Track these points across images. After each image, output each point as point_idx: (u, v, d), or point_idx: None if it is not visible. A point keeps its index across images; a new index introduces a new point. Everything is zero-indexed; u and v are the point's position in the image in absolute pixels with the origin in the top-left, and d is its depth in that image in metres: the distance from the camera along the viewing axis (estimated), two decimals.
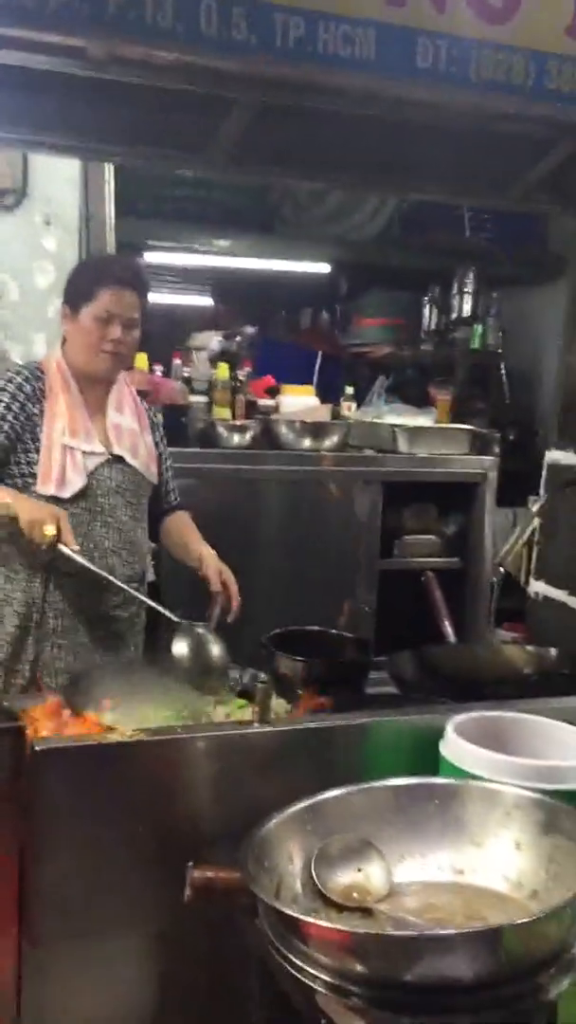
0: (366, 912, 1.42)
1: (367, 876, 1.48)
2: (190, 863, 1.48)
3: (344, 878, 1.47)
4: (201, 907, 1.49)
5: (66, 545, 2.29)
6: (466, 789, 1.59)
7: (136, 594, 2.46)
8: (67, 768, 1.66)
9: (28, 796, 1.65)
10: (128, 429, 2.65)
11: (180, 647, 2.23)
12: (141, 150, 2.38)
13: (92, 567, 2.35)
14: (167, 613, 2.33)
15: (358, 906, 1.43)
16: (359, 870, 1.48)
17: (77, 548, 2.31)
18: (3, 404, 2.49)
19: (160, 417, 2.90)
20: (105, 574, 2.37)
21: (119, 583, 2.40)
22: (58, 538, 2.28)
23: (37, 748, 1.64)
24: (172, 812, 1.71)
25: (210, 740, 1.73)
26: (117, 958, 1.80)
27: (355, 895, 1.45)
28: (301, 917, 1.28)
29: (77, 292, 2.56)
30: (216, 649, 2.27)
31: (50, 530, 2.26)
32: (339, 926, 1.34)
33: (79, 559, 2.31)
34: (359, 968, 1.22)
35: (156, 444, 2.76)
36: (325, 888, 1.45)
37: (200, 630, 2.30)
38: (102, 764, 1.68)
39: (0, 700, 1.93)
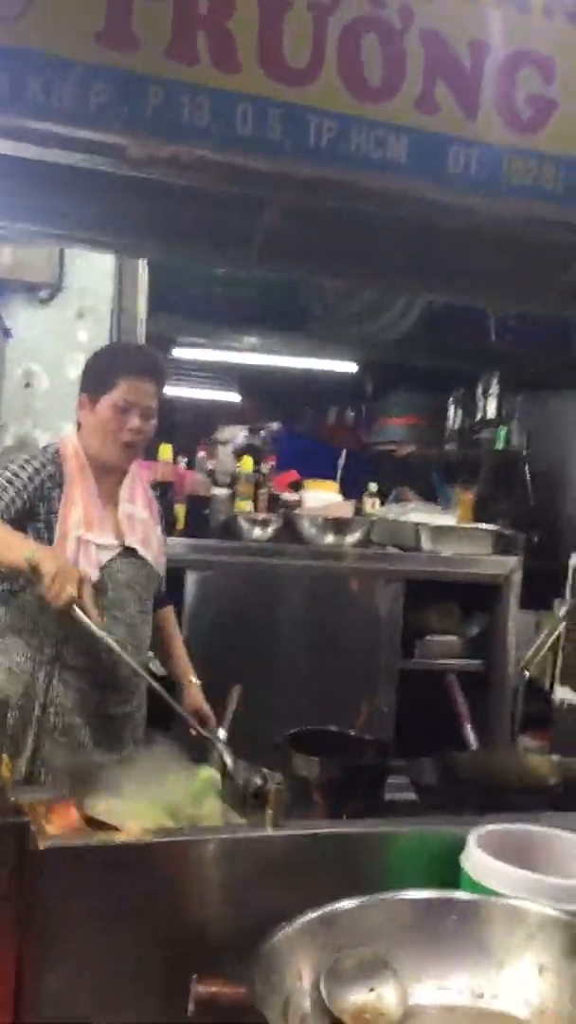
0: None
1: (380, 996, 1.39)
2: (194, 976, 1.40)
3: (356, 997, 1.38)
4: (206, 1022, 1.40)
5: (84, 611, 2.22)
6: (488, 906, 1.51)
7: (155, 684, 2.37)
8: (72, 869, 1.59)
9: (29, 898, 1.58)
10: (140, 519, 2.63)
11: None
12: (176, 247, 2.42)
13: (104, 635, 2.27)
14: (203, 731, 2.31)
15: None
16: (371, 990, 1.39)
17: (96, 615, 2.25)
18: (27, 474, 2.46)
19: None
20: (115, 645, 2.29)
21: (139, 668, 2.35)
22: (77, 601, 2.21)
23: (41, 847, 1.58)
24: (180, 919, 1.63)
25: (221, 844, 1.66)
26: None
27: (367, 1016, 1.36)
28: None
29: (95, 381, 2.55)
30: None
31: (69, 593, 2.19)
32: None
33: (92, 627, 2.24)
34: None
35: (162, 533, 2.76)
36: (335, 1008, 1.36)
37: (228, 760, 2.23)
38: (108, 865, 1.61)
39: (6, 793, 1.86)
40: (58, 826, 1.83)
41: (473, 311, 5.63)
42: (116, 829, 1.73)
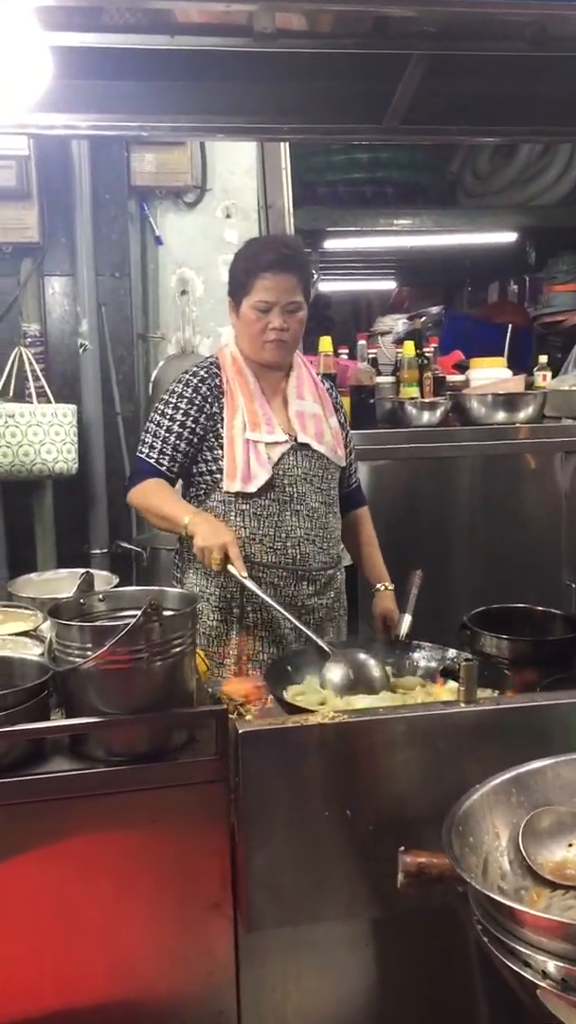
0: None
1: None
2: (402, 848, 1.43)
3: (555, 854, 1.38)
4: (415, 893, 1.43)
5: (236, 571, 2.27)
6: None
7: (298, 624, 2.26)
8: (271, 750, 1.64)
9: (235, 778, 1.65)
10: (312, 414, 2.61)
11: (334, 673, 2.09)
12: (317, 125, 2.34)
13: (260, 592, 2.29)
14: (320, 642, 2.18)
15: (572, 885, 1.34)
16: (571, 845, 1.39)
17: (246, 575, 2.30)
18: (181, 411, 2.52)
19: (340, 397, 2.81)
20: (270, 600, 2.29)
21: (283, 611, 2.28)
22: (228, 562, 2.28)
23: (241, 731, 1.63)
24: (379, 795, 1.67)
25: (414, 720, 1.67)
26: (334, 945, 1.78)
27: (569, 872, 1.35)
28: (516, 906, 1.20)
29: (235, 284, 2.53)
30: (376, 672, 2.10)
31: (216, 559, 2.27)
32: (560, 917, 1.24)
33: (247, 583, 2.29)
34: None
35: (340, 425, 2.71)
36: (535, 864, 1.36)
37: (361, 656, 2.15)
38: (306, 745, 1.65)
39: (203, 684, 1.93)
40: (256, 713, 1.89)
41: None
42: (310, 712, 1.77)
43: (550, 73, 2.18)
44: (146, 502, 2.50)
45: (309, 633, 2.22)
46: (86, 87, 2.10)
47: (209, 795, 1.68)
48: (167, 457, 2.51)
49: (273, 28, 1.86)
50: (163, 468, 2.51)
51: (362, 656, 2.14)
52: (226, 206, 3.92)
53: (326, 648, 2.16)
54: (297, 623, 2.25)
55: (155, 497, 2.48)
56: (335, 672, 2.08)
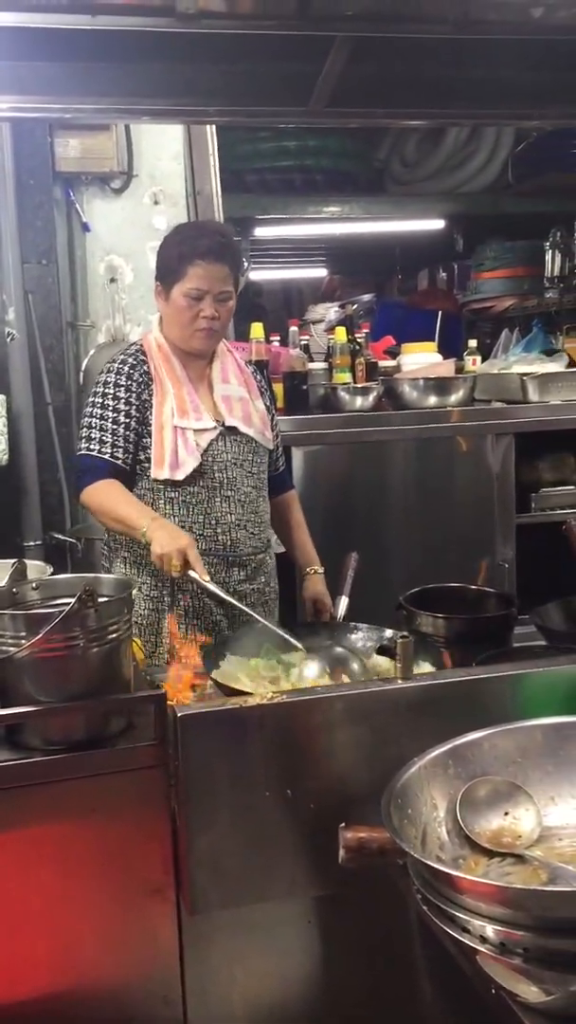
0: (517, 858, 1.35)
1: (515, 819, 1.41)
2: (342, 824, 1.44)
3: (492, 822, 1.41)
4: (358, 868, 1.44)
5: (197, 575, 2.25)
6: None
7: (263, 620, 2.27)
8: (210, 733, 1.64)
9: (175, 763, 1.64)
10: (238, 398, 2.60)
11: (312, 671, 2.08)
12: (241, 108, 2.32)
13: (223, 594, 2.28)
14: (293, 641, 2.17)
15: (509, 852, 1.36)
16: (506, 814, 1.42)
17: (208, 579, 2.27)
18: (121, 400, 2.48)
19: (264, 382, 2.80)
20: (234, 600, 2.29)
21: (240, 605, 2.29)
22: (188, 567, 2.25)
23: (180, 714, 1.62)
24: (319, 773, 1.67)
25: (351, 698, 1.68)
26: (278, 924, 1.78)
27: (505, 839, 1.38)
28: (454, 873, 1.22)
29: (166, 270, 2.50)
30: (356, 667, 2.10)
31: (176, 565, 2.23)
32: (496, 882, 1.26)
33: (211, 587, 2.27)
34: (519, 925, 1.14)
35: (267, 408, 2.71)
36: (472, 833, 1.38)
37: (339, 649, 2.16)
38: (244, 728, 1.65)
39: (141, 672, 1.92)
40: (195, 697, 1.89)
41: (561, 147, 5.30)
42: (249, 694, 1.77)
43: (474, 56, 2.19)
44: (102, 504, 2.42)
45: (278, 630, 2.21)
46: (6, 68, 2.06)
47: (149, 780, 1.67)
48: (120, 449, 2.45)
49: (196, 8, 1.84)
50: (118, 461, 2.45)
51: (339, 650, 2.15)
52: (154, 192, 3.89)
53: (298, 645, 2.15)
54: (264, 620, 2.26)
55: (111, 499, 2.41)
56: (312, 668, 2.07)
